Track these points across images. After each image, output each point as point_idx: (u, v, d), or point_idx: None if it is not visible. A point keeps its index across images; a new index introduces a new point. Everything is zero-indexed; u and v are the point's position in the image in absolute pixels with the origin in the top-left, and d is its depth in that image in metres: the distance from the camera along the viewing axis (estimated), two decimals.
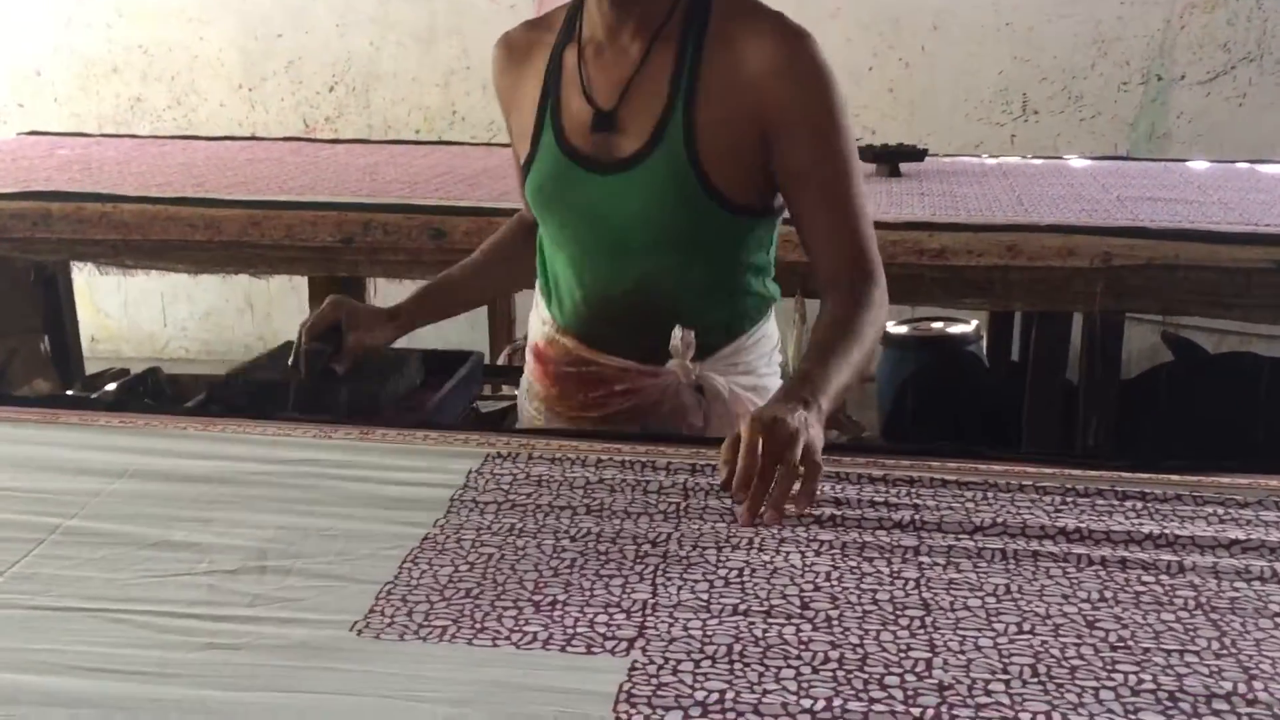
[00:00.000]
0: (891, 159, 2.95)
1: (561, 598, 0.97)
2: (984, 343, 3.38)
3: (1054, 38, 4.07)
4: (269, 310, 4.58)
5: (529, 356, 1.65)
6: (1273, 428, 2.52)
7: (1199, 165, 3.16)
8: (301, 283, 2.99)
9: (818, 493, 1.14)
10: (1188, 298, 2.31)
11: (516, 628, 0.92)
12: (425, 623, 0.93)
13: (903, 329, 3.33)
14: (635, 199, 1.46)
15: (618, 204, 1.47)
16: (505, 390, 3.08)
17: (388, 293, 3.90)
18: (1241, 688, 0.84)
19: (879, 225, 2.07)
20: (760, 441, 1.13)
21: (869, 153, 2.88)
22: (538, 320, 1.62)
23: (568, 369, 1.55)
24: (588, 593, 0.98)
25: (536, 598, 0.97)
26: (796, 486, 1.13)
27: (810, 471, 1.13)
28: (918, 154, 2.99)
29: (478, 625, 0.93)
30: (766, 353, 1.58)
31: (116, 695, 0.83)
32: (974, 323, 3.35)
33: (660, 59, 1.45)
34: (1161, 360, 3.01)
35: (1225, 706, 0.82)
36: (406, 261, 2.54)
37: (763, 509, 1.11)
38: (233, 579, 1.00)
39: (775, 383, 1.59)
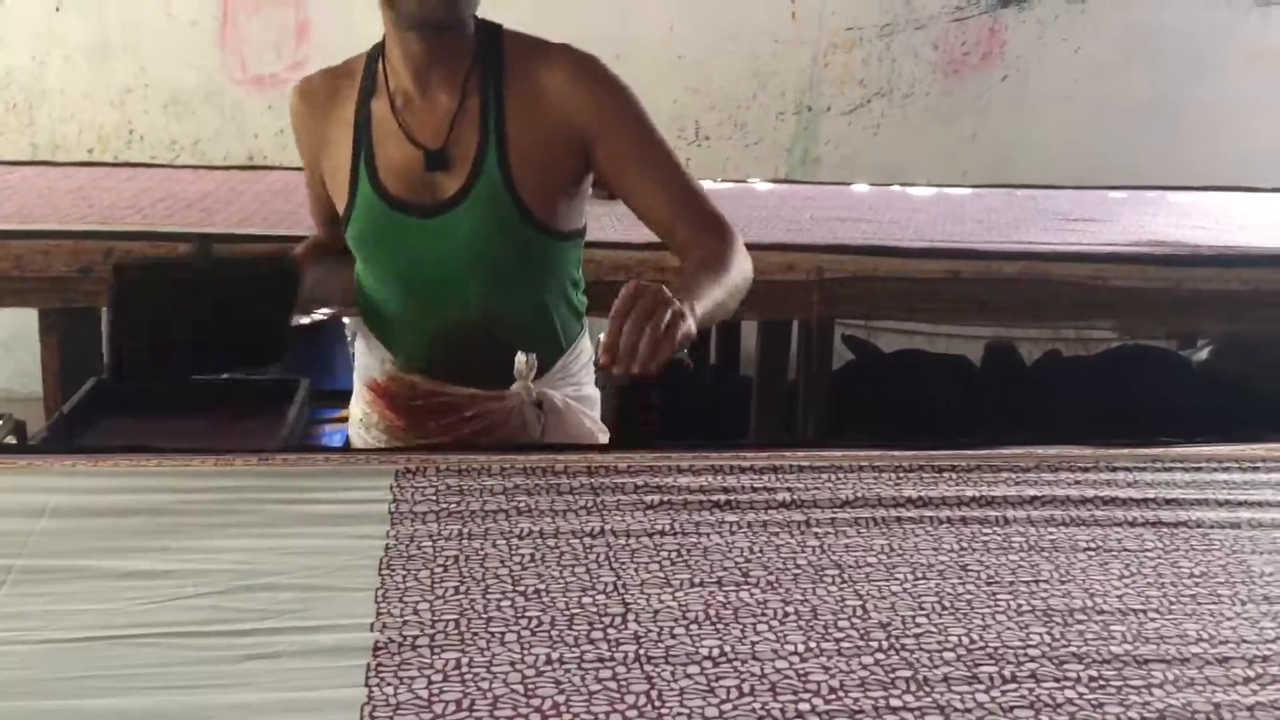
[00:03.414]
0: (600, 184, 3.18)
1: (540, 586, 1.10)
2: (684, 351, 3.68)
3: (720, 71, 4.47)
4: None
5: (361, 390, 1.70)
6: (948, 411, 2.97)
7: (861, 188, 3.61)
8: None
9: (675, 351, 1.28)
10: (885, 304, 2.69)
11: (517, 615, 1.05)
12: (437, 617, 1.03)
13: None
14: (460, 236, 1.56)
15: (444, 243, 1.57)
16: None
17: None
18: (1088, 603, 1.12)
19: (616, 246, 2.34)
20: (634, 300, 1.25)
21: None
22: (374, 360, 1.68)
23: (416, 403, 1.60)
24: (562, 580, 1.12)
25: (520, 588, 1.10)
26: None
27: (672, 333, 1.26)
28: None
29: (484, 615, 1.04)
30: (586, 364, 1.73)
31: (198, 705, 0.89)
32: None
33: (469, 102, 1.56)
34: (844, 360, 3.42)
35: (1084, 617, 1.09)
36: None
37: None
38: (228, 598, 1.05)
39: (596, 392, 1.76)
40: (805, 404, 2.78)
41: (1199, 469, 1.44)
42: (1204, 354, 3.23)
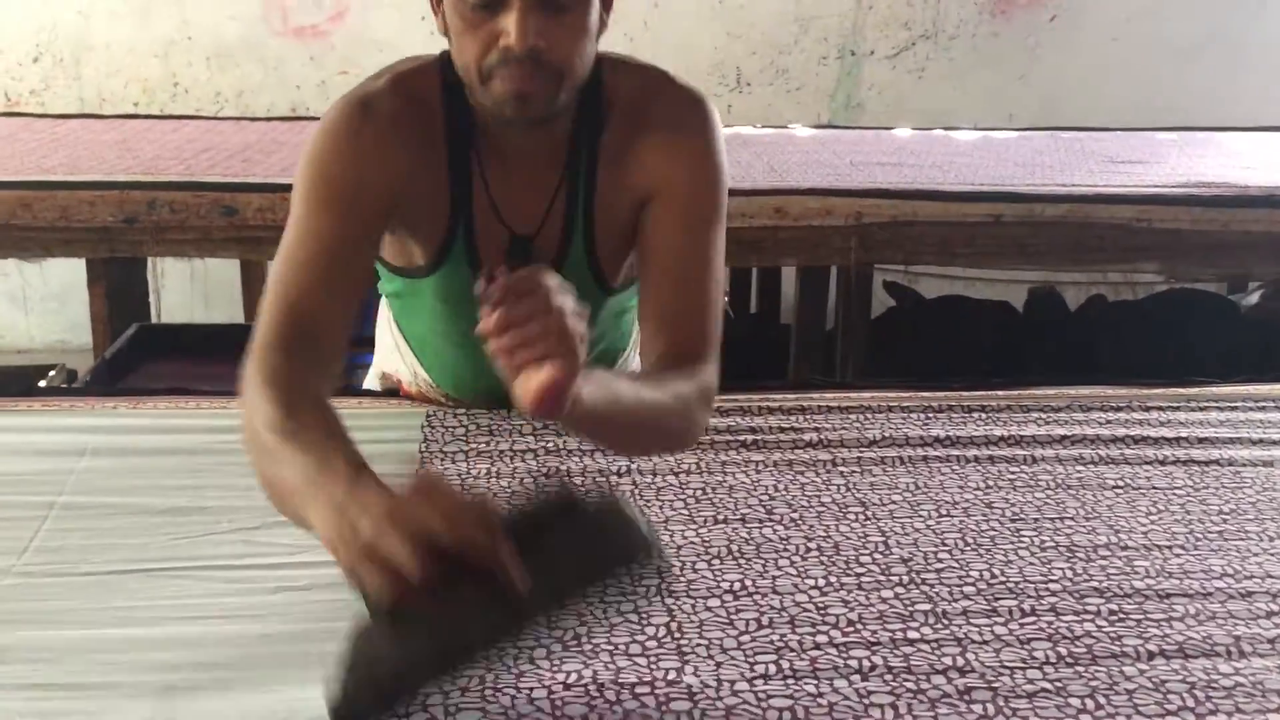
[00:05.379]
0: None
1: None
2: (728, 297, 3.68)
3: (761, 16, 4.41)
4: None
5: (378, 385, 1.56)
6: (990, 356, 2.95)
7: (903, 132, 3.56)
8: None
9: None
10: (924, 249, 2.66)
11: None
12: None
13: None
14: None
15: None
16: None
17: (174, 270, 3.78)
18: (1113, 539, 1.11)
19: None
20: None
21: None
22: (405, 368, 1.50)
23: None
24: None
25: None
26: None
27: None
28: None
29: None
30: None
31: (230, 634, 0.91)
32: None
33: (563, 174, 1.29)
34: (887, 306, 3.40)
35: (1108, 552, 1.09)
36: (196, 240, 2.51)
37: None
38: (260, 533, 1.08)
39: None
40: (844, 350, 2.77)
41: (1234, 408, 1.42)
42: (1254, 297, 3.17)
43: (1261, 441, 1.33)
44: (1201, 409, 1.42)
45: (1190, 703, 0.86)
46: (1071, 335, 3.02)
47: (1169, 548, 1.10)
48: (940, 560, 1.07)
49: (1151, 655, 0.91)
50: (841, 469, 1.26)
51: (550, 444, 1.29)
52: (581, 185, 1.29)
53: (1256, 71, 4.35)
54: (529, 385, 0.94)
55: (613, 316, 1.45)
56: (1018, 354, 3.00)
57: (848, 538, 1.11)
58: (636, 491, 1.19)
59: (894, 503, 1.18)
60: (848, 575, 1.04)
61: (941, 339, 3.08)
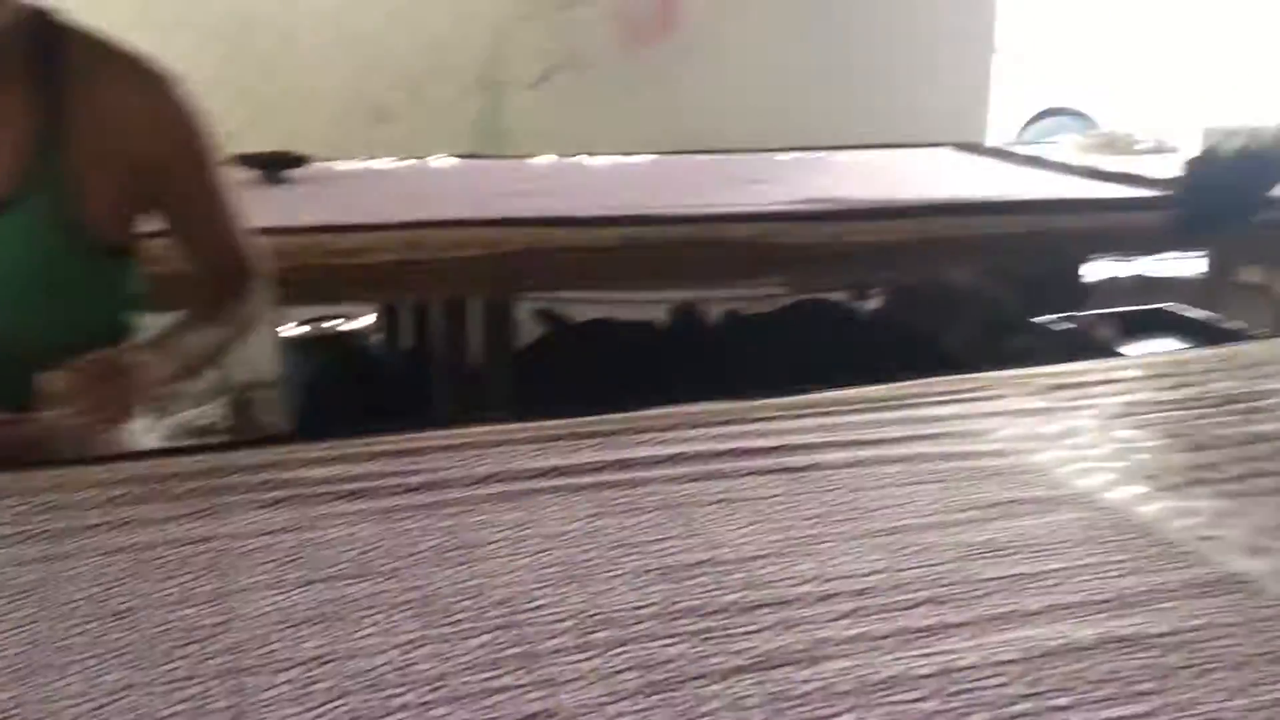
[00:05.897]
0: (273, 166, 3.04)
1: (130, 605, 1.01)
2: (379, 336, 3.58)
3: (398, 47, 4.36)
4: None
5: None
6: (636, 376, 2.99)
7: (543, 160, 3.59)
8: None
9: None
10: (563, 276, 2.68)
11: (93, 641, 0.95)
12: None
13: (302, 330, 3.44)
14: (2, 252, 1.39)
15: None
16: None
17: None
18: (707, 556, 1.12)
19: (277, 231, 2.10)
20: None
21: (250, 160, 2.95)
22: None
23: None
24: (155, 596, 1.02)
25: (103, 610, 1.00)
26: None
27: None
28: (298, 160, 3.10)
29: (55, 645, 0.94)
30: None
31: None
32: (371, 318, 3.53)
33: (16, 101, 1.38)
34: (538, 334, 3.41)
35: (701, 570, 1.08)
36: None
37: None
38: None
39: None
40: (491, 383, 2.73)
41: (829, 413, 1.48)
42: (873, 304, 3.40)
43: (851, 443, 1.38)
44: (799, 416, 1.47)
45: (768, 714, 0.86)
46: (710, 351, 3.13)
47: (763, 557, 1.11)
48: (538, 598, 1.03)
49: (734, 672, 0.91)
50: (446, 511, 1.20)
51: (124, 514, 1.17)
52: (52, 118, 1.37)
53: (864, 95, 4.69)
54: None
55: (102, 288, 1.47)
56: (662, 372, 3.07)
57: (444, 586, 1.06)
58: (217, 560, 1.09)
59: (496, 541, 1.14)
60: (440, 626, 0.98)
61: (588, 364, 3.11)
